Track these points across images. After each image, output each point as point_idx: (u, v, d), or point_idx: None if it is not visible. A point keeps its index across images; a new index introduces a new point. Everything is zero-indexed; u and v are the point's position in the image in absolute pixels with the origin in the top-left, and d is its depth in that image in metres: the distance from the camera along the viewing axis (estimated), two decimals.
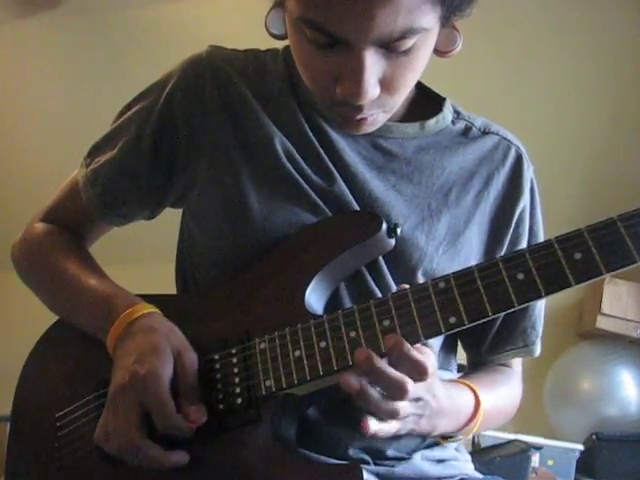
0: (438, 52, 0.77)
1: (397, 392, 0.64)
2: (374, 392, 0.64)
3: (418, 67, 0.72)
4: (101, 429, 0.73)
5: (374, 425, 0.64)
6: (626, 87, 2.70)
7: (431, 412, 0.70)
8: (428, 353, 0.67)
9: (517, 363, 0.94)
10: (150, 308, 0.78)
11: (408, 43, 0.67)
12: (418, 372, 0.64)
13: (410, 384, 0.63)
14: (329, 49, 0.68)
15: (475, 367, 0.94)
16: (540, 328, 0.90)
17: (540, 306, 0.89)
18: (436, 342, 0.84)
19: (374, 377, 0.64)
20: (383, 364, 0.63)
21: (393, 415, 0.65)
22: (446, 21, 0.70)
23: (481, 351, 0.91)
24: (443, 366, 0.86)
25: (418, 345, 0.65)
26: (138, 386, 0.70)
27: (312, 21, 0.66)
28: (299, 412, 0.73)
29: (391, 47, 0.67)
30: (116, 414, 0.71)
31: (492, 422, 0.87)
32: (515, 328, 0.88)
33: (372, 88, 0.69)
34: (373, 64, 0.67)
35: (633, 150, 2.84)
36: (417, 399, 0.67)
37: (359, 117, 0.74)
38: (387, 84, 0.70)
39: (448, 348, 0.89)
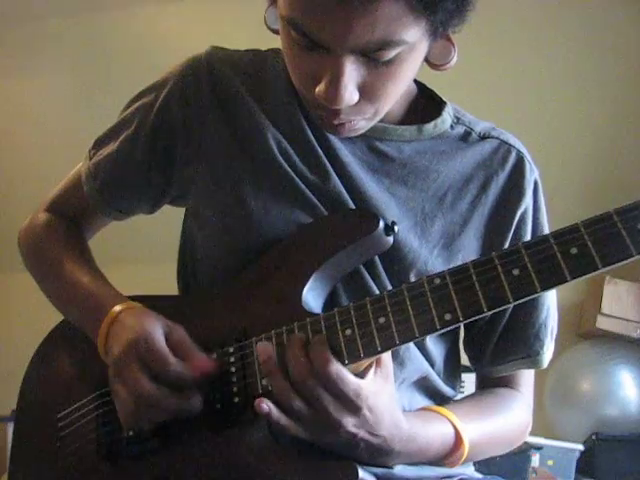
0: (431, 65, 0.76)
1: (296, 374, 0.66)
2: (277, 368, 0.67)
3: (401, 78, 0.72)
4: (121, 413, 0.74)
5: (265, 404, 0.65)
6: (627, 86, 2.70)
7: (373, 449, 0.69)
8: (348, 381, 0.65)
9: (525, 384, 0.91)
10: (136, 304, 0.80)
11: (389, 54, 0.67)
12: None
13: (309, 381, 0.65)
14: (311, 51, 0.69)
15: (482, 385, 0.92)
16: (546, 338, 0.86)
17: (546, 314, 0.86)
18: (438, 354, 0.84)
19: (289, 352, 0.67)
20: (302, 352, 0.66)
21: (284, 398, 0.66)
22: (434, 35, 0.70)
23: (484, 362, 0.89)
24: (445, 381, 0.86)
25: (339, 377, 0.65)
26: (132, 348, 0.72)
27: (295, 23, 0.67)
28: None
29: (372, 56, 0.67)
30: (122, 384, 0.73)
31: (485, 451, 0.84)
32: (517, 337, 0.86)
33: (349, 94, 0.69)
34: (352, 71, 0.68)
35: (634, 149, 2.84)
36: (329, 418, 0.65)
37: (337, 122, 0.74)
38: (367, 92, 0.71)
39: (451, 362, 0.88)
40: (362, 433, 0.67)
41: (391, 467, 0.75)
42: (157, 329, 0.74)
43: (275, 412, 0.66)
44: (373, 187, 0.81)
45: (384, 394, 0.68)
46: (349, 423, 0.66)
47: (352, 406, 0.65)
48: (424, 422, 0.75)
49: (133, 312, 0.78)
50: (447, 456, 0.77)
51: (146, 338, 0.72)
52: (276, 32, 0.77)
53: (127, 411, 0.73)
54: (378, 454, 0.70)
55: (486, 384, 0.92)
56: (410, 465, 0.77)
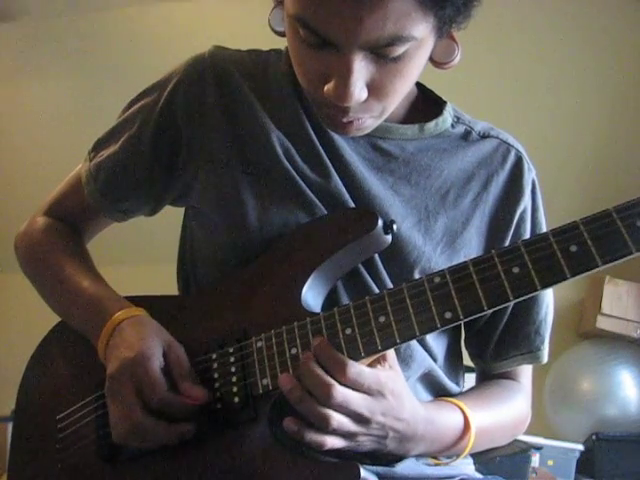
0: (435, 63, 0.77)
1: (321, 394, 0.65)
2: (305, 394, 0.66)
3: (408, 75, 0.72)
4: (114, 431, 0.74)
5: (294, 424, 0.66)
6: (627, 86, 2.70)
7: (400, 435, 0.70)
8: (366, 375, 0.66)
9: (525, 376, 0.93)
10: (138, 311, 0.79)
11: (398, 50, 0.67)
12: (321, 389, 0.65)
13: (336, 390, 0.64)
14: (320, 49, 0.69)
15: (482, 380, 0.93)
16: (546, 333, 0.88)
17: (545, 310, 0.88)
18: (440, 350, 0.85)
19: (305, 374, 0.66)
20: (315, 366, 0.66)
21: (321, 421, 0.65)
22: (440, 32, 0.70)
23: (485, 359, 0.90)
24: (448, 377, 0.86)
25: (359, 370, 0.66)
26: (129, 369, 0.72)
27: (304, 20, 0.67)
28: (296, 410, 0.73)
29: (380, 53, 0.67)
30: (116, 402, 0.73)
31: (491, 440, 0.85)
32: (518, 333, 0.87)
33: (358, 91, 0.69)
34: (361, 68, 0.68)
35: (633, 148, 2.84)
36: (362, 417, 0.66)
37: (345, 120, 0.74)
38: (375, 89, 0.71)
39: (453, 358, 0.88)
40: (390, 420, 0.68)
41: (393, 465, 0.75)
42: (155, 349, 0.73)
43: (311, 433, 0.66)
44: (376, 185, 0.81)
45: (398, 380, 0.70)
46: (377, 412, 0.67)
47: (376, 394, 0.67)
48: (438, 407, 0.77)
49: (134, 323, 0.77)
50: (456, 443, 0.77)
51: (142, 361, 0.72)
52: (280, 34, 0.77)
53: (119, 431, 0.73)
54: (405, 440, 0.71)
55: (487, 377, 0.93)
56: (416, 459, 0.77)
